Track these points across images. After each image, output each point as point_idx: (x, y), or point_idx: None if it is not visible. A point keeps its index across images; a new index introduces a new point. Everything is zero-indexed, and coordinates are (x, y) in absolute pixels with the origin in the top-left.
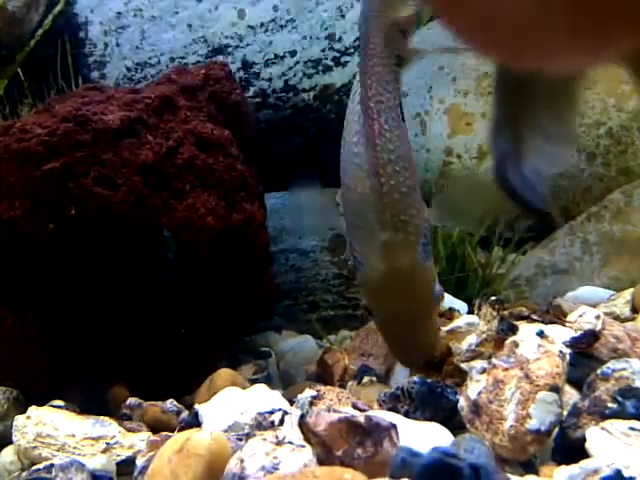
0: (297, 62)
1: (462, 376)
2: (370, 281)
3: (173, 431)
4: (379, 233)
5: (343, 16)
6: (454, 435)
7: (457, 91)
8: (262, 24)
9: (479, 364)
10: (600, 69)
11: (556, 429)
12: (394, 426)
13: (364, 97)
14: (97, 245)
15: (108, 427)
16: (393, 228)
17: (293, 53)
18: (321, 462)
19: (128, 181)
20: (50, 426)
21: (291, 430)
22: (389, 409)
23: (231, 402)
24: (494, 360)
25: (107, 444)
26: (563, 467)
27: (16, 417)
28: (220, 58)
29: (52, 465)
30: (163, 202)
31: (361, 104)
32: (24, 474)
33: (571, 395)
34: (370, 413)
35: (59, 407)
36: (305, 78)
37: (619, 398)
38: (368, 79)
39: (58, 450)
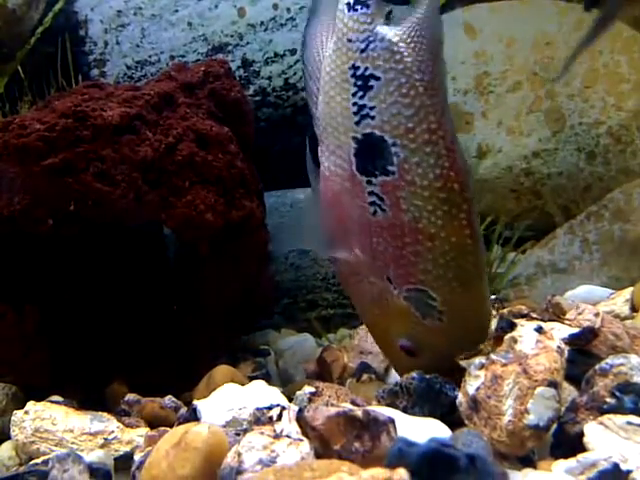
0: (297, 60)
1: (461, 373)
2: (458, 330)
3: (171, 427)
4: (478, 283)
5: None
6: (452, 431)
7: (457, 90)
8: (262, 22)
9: (478, 360)
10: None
11: (554, 424)
12: (392, 420)
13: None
14: (97, 242)
15: (106, 423)
16: (485, 276)
17: (293, 51)
18: (319, 456)
19: (127, 177)
20: (48, 421)
21: (289, 425)
22: (388, 405)
23: (230, 398)
24: (492, 356)
25: (105, 439)
26: (561, 461)
27: (14, 412)
28: (220, 56)
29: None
30: (162, 198)
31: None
32: (22, 468)
33: (569, 392)
34: (368, 408)
35: (57, 403)
36: None
37: (617, 393)
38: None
39: (56, 445)
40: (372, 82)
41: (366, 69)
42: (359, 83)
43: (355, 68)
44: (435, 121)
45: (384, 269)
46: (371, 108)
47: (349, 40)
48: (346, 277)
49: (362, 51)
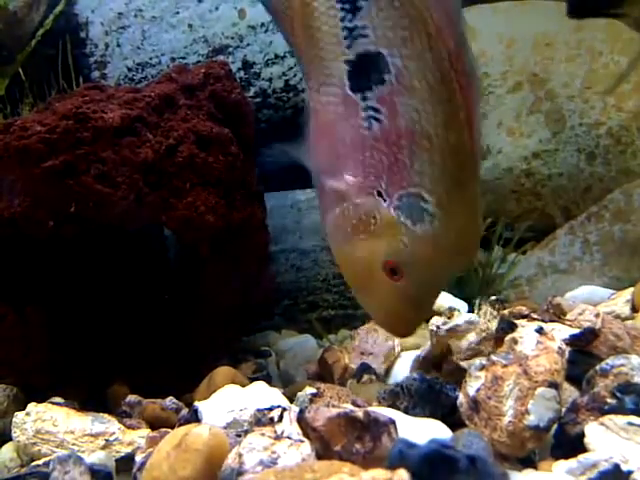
0: None
1: (462, 374)
2: (449, 238)
3: (172, 428)
4: (473, 185)
5: None
6: (453, 431)
7: None
8: (262, 24)
9: (478, 361)
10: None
11: (555, 425)
12: (393, 422)
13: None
14: (98, 244)
15: (107, 424)
16: (479, 181)
17: (293, 53)
18: (319, 457)
19: (128, 179)
20: (49, 423)
21: (290, 426)
22: (388, 406)
23: (230, 399)
24: (493, 357)
25: (106, 441)
26: (562, 461)
27: (15, 414)
28: (221, 58)
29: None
30: (163, 200)
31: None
32: (24, 470)
33: (570, 392)
34: (369, 409)
35: (58, 404)
36: None
37: (618, 394)
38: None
39: (57, 446)
40: (361, 2)
41: None
42: (347, 7)
43: None
44: (435, 26)
45: (375, 183)
46: (363, 27)
47: None
48: (328, 210)
49: None
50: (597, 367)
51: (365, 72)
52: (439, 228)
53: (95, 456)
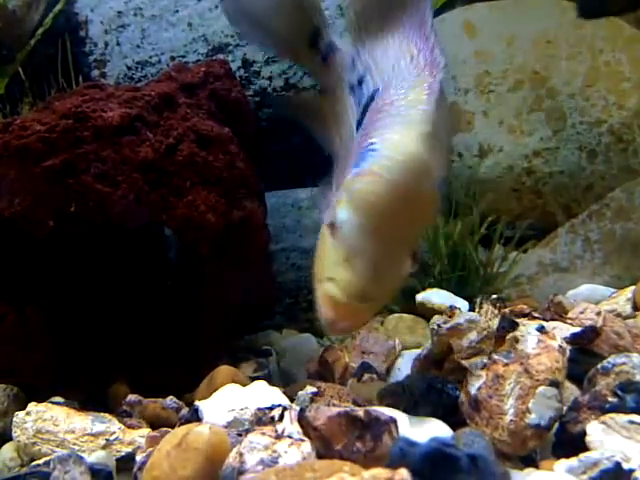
0: None
1: (463, 373)
2: (396, 170)
3: (173, 428)
4: (423, 125)
5: (343, 14)
6: (454, 431)
7: (457, 89)
8: None
9: (479, 360)
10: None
11: (556, 424)
12: (394, 420)
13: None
14: (98, 243)
15: (108, 424)
16: (432, 124)
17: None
18: (320, 456)
19: (128, 178)
20: (50, 422)
21: (290, 425)
22: (389, 405)
23: (231, 399)
24: (494, 355)
25: (107, 440)
26: (563, 460)
27: (16, 413)
28: (220, 57)
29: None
30: (163, 199)
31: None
32: (24, 469)
33: (572, 391)
34: (369, 408)
35: (59, 404)
36: (305, 76)
37: (619, 392)
38: None
39: (58, 446)
40: (361, 73)
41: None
42: (353, 87)
43: (351, 88)
44: (416, 49)
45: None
46: (366, 84)
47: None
48: None
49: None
50: (598, 366)
51: (365, 108)
52: (383, 160)
53: (95, 455)
